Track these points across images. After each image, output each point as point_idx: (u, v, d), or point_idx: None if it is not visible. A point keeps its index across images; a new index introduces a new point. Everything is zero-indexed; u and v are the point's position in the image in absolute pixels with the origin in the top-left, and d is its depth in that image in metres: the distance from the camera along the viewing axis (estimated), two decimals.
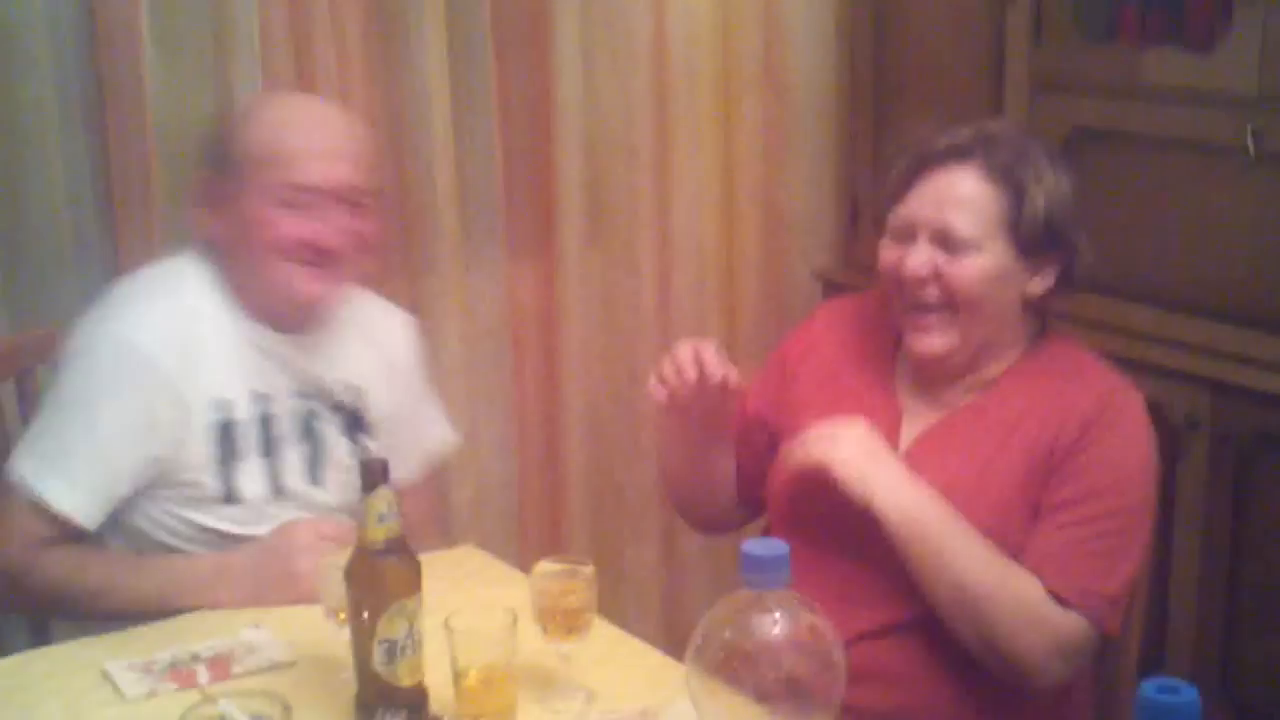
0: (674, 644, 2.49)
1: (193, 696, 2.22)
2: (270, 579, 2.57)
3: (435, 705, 2.16)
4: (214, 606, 2.56)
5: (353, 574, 2.13)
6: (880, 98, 4.15)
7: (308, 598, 2.40)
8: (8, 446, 2.82)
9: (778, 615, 1.59)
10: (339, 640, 2.24)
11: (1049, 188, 2.47)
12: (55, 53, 3.29)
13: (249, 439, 2.71)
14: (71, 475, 2.61)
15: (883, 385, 2.64)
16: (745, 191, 4.18)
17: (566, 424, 4.03)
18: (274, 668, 2.37)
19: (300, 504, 2.75)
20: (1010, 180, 2.46)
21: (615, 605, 2.37)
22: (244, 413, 2.71)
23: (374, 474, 2.11)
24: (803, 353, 2.77)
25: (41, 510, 2.60)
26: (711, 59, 4.08)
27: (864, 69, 4.17)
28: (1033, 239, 2.47)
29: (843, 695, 1.60)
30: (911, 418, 2.60)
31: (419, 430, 3.02)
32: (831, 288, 4.14)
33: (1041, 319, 2.61)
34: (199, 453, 2.67)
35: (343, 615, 2.20)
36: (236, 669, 2.36)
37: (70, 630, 2.68)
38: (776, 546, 1.61)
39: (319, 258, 2.68)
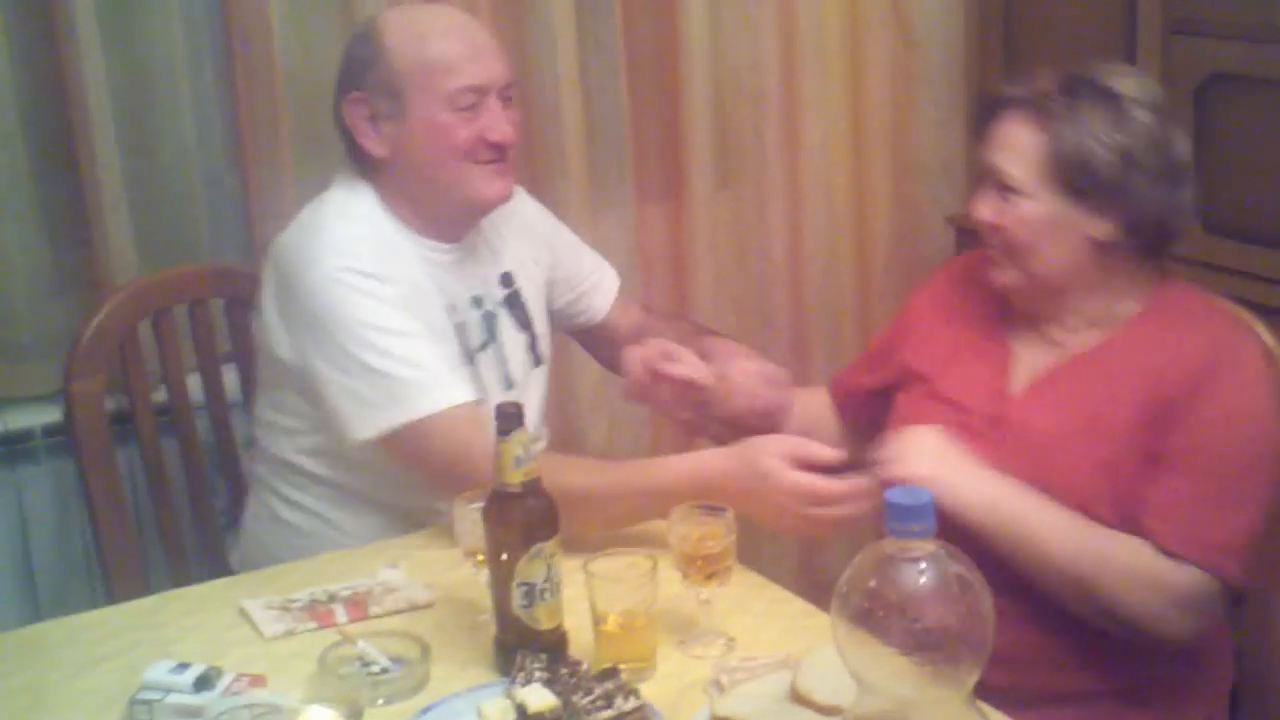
0: (808, 590, 2.50)
1: (330, 636, 2.25)
2: (758, 509, 2.43)
3: (575, 649, 2.17)
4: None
5: (490, 516, 2.14)
6: (1010, 41, 4.09)
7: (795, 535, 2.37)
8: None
9: (924, 565, 1.58)
10: (477, 582, 2.26)
11: (1095, 133, 2.44)
12: None
13: (453, 348, 2.75)
14: (434, 377, 2.60)
15: (992, 331, 2.64)
16: (875, 136, 4.14)
17: None
18: (412, 609, 2.39)
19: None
20: (1053, 126, 2.46)
21: (750, 551, 2.35)
22: (443, 324, 2.75)
23: (509, 418, 2.11)
24: (923, 308, 2.80)
25: (451, 420, 2.57)
26: (839, 2, 4.05)
27: (993, 12, 4.11)
28: (1078, 185, 2.46)
29: (991, 646, 1.59)
30: (1022, 361, 2.59)
31: (594, 275, 3.12)
32: (965, 234, 4.08)
33: (1156, 264, 2.56)
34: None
35: (480, 557, 2.22)
36: (374, 609, 2.38)
37: (208, 571, 2.72)
38: (921, 494, 1.59)
39: (497, 154, 2.72)
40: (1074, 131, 2.45)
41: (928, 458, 2.42)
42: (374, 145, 2.71)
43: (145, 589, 2.85)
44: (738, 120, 3.98)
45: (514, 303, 2.89)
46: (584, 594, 2.17)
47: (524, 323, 2.90)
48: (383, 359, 2.57)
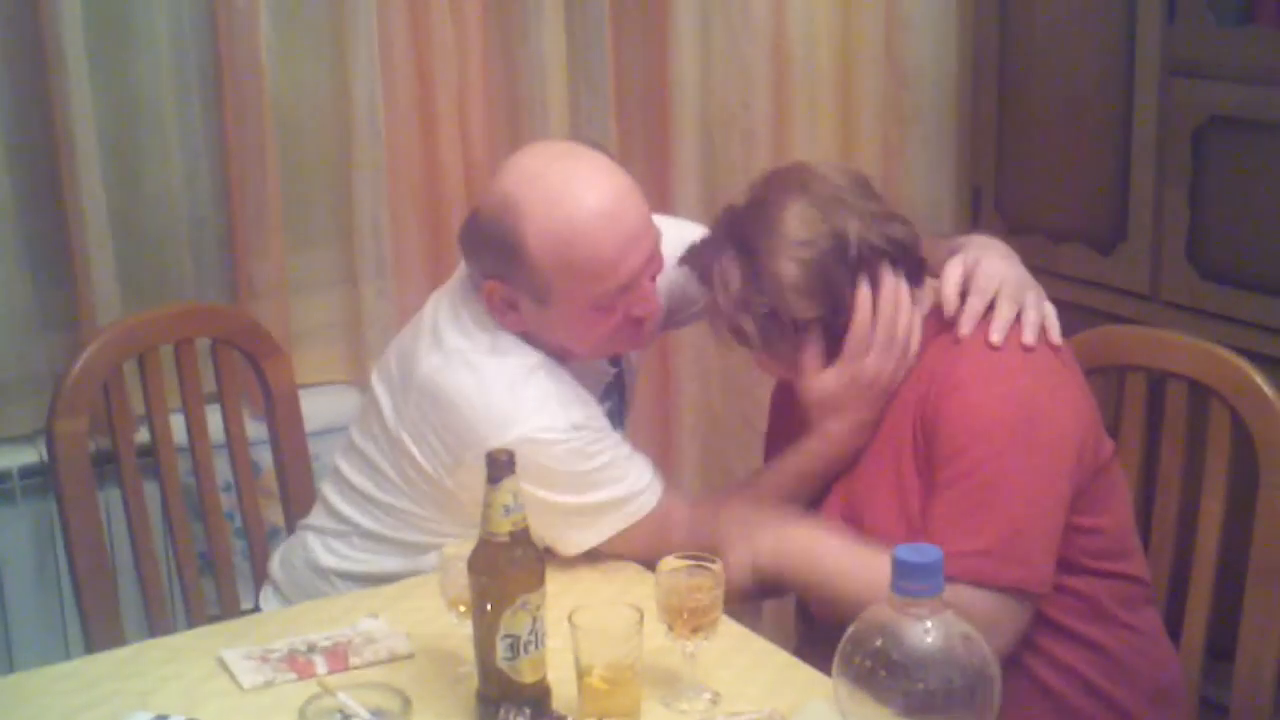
0: (793, 642, 2.47)
1: (310, 687, 2.20)
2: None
3: (558, 703, 2.13)
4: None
5: (476, 566, 2.09)
6: (1004, 80, 4.07)
7: None
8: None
9: (930, 624, 1.55)
10: (458, 633, 2.22)
11: (736, 296, 2.49)
12: (174, 29, 3.31)
13: None
14: (635, 487, 2.61)
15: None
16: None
17: (680, 412, 4.00)
18: (393, 659, 2.34)
19: None
20: (736, 319, 2.51)
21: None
22: None
23: (500, 466, 2.07)
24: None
25: (654, 519, 2.60)
26: (830, 39, 4.03)
27: (988, 50, 4.09)
28: (790, 328, 2.49)
29: (997, 709, 1.55)
30: None
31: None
32: None
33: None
34: None
35: (463, 608, 2.18)
36: (354, 660, 2.33)
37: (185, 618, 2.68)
38: (930, 553, 1.56)
39: (639, 327, 2.65)
40: (737, 311, 2.49)
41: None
42: (511, 324, 2.61)
43: (121, 634, 2.83)
44: (727, 158, 3.95)
45: (619, 384, 2.86)
46: (568, 646, 2.12)
47: (620, 403, 2.86)
48: (590, 493, 2.58)
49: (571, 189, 2.53)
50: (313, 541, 2.80)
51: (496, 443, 2.37)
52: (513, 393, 2.55)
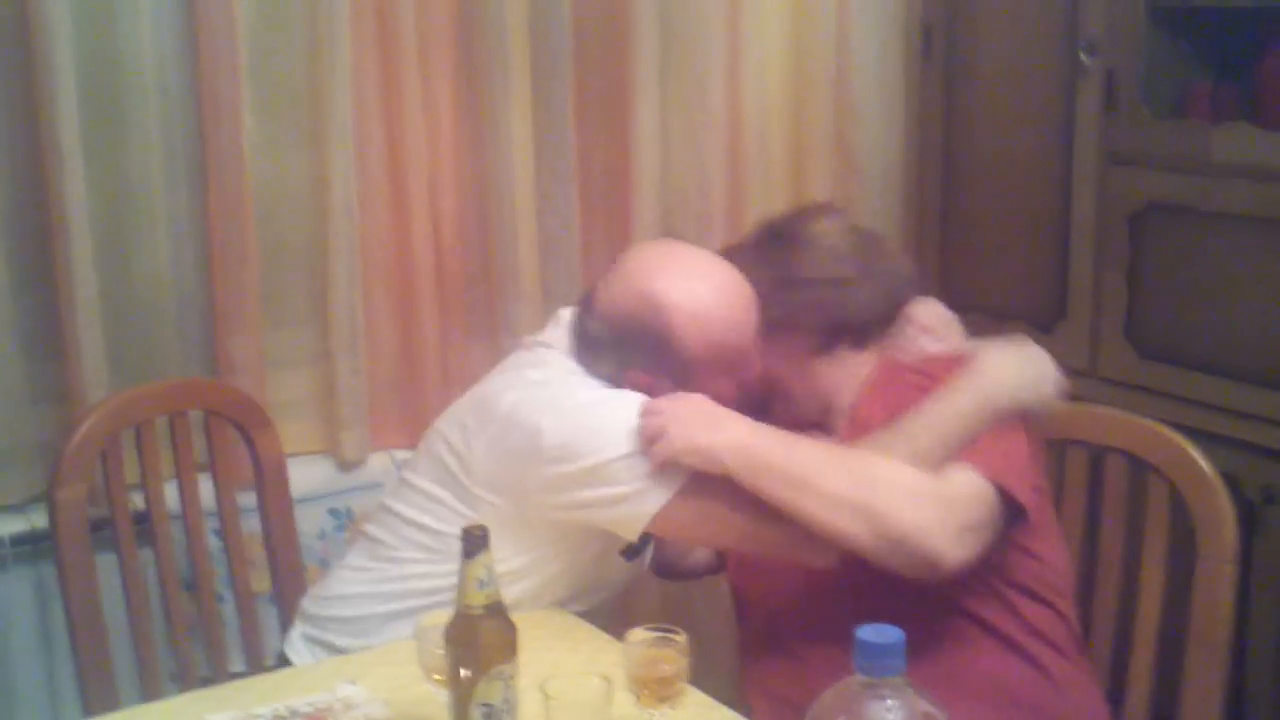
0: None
1: None
2: None
3: None
4: None
5: (452, 637, 2.08)
6: (950, 168, 4.10)
7: None
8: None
9: (891, 703, 1.54)
10: (435, 700, 2.20)
11: (761, 276, 2.65)
12: (163, 123, 3.31)
13: None
14: None
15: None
16: None
17: None
18: None
19: None
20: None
21: (700, 672, 2.30)
22: None
23: (474, 541, 2.06)
24: None
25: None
26: (783, 130, 4.06)
27: (934, 140, 4.12)
28: (773, 320, 2.64)
29: None
30: None
31: None
32: None
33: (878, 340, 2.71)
34: None
35: (439, 677, 2.16)
36: None
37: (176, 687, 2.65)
38: (891, 633, 1.55)
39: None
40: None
41: (686, 425, 2.44)
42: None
43: (115, 698, 2.83)
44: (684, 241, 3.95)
45: None
46: (540, 714, 2.10)
47: None
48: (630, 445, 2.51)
49: (703, 277, 2.64)
50: (358, 580, 2.79)
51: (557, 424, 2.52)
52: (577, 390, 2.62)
